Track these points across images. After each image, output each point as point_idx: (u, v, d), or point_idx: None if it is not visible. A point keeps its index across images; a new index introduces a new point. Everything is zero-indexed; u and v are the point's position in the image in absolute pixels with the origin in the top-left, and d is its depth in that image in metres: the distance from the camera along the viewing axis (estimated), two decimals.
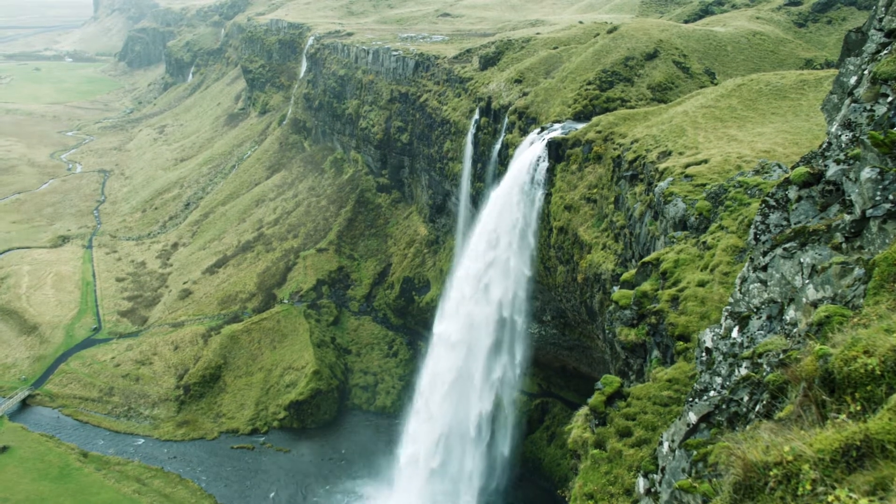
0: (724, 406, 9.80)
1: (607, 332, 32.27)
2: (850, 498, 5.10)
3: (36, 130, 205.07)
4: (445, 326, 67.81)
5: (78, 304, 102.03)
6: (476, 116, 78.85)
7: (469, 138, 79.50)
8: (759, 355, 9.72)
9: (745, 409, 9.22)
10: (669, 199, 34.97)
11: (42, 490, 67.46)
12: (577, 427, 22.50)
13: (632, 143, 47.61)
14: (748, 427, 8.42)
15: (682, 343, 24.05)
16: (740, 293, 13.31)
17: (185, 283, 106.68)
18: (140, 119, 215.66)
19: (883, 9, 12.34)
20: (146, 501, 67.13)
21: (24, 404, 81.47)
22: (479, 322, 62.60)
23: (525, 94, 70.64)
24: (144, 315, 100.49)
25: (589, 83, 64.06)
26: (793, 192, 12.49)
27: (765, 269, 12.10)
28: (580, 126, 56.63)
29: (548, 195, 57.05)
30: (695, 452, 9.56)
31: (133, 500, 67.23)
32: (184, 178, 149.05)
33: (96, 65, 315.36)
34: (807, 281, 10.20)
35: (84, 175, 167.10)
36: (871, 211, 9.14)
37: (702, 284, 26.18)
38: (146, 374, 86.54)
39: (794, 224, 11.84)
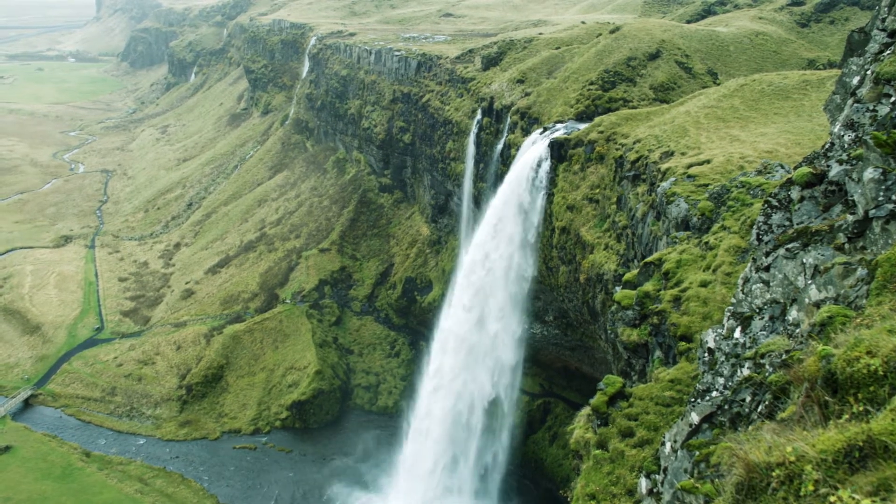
0: (726, 406, 9.79)
1: (609, 332, 32.24)
2: (853, 499, 5.09)
3: (38, 130, 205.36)
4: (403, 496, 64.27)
5: (80, 304, 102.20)
6: (478, 116, 78.78)
7: (471, 138, 79.44)
8: (762, 356, 9.71)
9: (747, 410, 9.21)
10: (672, 199, 34.93)
11: (44, 490, 67.56)
12: (580, 427, 22.46)
13: (634, 143, 47.57)
14: (750, 427, 8.42)
15: (684, 343, 24.03)
16: (743, 293, 13.29)
17: (187, 282, 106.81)
18: (143, 119, 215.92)
19: (886, 9, 12.31)
20: (148, 501, 67.19)
21: (27, 404, 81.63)
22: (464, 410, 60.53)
23: (527, 94, 70.57)
24: (147, 315, 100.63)
25: (591, 83, 63.99)
26: (795, 193, 12.47)
27: (767, 269, 12.08)
28: (582, 126, 56.59)
29: (550, 195, 57.04)
30: (697, 453, 9.56)
31: (135, 499, 67.30)
32: (186, 178, 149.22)
33: (99, 65, 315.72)
34: (809, 281, 10.19)
35: (87, 175, 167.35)
36: (873, 211, 9.13)
37: (704, 285, 26.15)
38: (148, 373, 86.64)
39: (797, 224, 11.82)
